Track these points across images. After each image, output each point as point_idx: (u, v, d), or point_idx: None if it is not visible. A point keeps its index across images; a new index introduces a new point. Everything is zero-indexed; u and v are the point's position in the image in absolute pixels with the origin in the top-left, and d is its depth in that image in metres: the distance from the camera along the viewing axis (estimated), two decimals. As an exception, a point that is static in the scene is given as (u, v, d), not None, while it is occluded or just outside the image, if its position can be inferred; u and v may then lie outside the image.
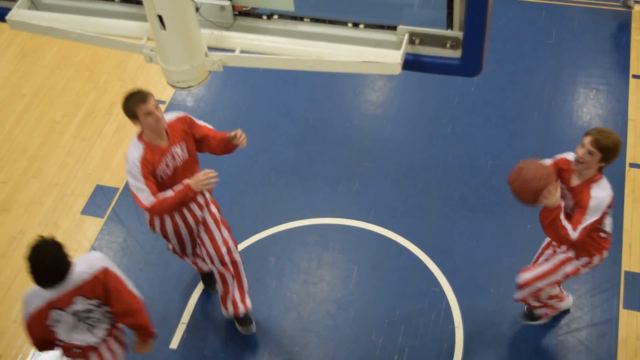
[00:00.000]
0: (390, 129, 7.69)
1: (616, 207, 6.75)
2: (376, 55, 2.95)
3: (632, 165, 7.17)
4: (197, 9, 2.98)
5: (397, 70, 2.91)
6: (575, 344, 5.97)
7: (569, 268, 5.33)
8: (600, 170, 5.00)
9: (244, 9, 3.14)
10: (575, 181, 5.06)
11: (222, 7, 3.08)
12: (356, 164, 7.40)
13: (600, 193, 4.95)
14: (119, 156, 7.59)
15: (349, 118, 7.86)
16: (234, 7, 3.12)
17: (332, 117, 7.86)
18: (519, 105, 7.83)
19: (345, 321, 6.22)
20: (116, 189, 7.31)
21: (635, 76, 8.03)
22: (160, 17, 2.81)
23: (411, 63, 2.99)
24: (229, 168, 7.37)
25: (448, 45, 2.95)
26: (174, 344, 6.16)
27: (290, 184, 7.24)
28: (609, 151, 4.86)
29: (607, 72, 8.09)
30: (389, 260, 6.61)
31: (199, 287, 6.48)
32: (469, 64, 2.98)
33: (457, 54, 2.97)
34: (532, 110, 7.76)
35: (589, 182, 4.99)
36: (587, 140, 4.87)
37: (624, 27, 8.62)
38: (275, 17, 3.12)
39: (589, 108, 7.77)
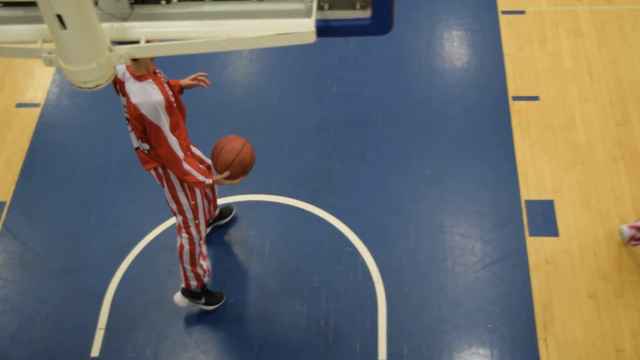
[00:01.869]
0: (278, 98, 7.63)
1: (506, 140, 7.02)
2: (288, 26, 2.88)
3: (515, 98, 7.40)
4: (96, 3, 2.82)
5: (313, 38, 2.86)
6: (491, 277, 6.17)
7: None
8: None
9: (140, -4, 3.00)
10: None
11: (118, -3, 2.94)
12: (249, 137, 7.18)
13: None
14: (1, 167, 7.21)
15: (234, 93, 7.74)
16: (128, -4, 2.98)
17: (217, 94, 7.72)
18: (399, 56, 7.93)
19: (266, 296, 6.19)
20: (3, 203, 6.94)
21: (504, 12, 8.26)
22: (59, 17, 2.64)
23: (323, 29, 2.95)
24: (119, 160, 7.16)
25: (358, 6, 2.92)
26: (95, 351, 5.96)
27: (186, 168, 7.08)
28: None
29: (477, 11, 8.29)
30: (298, 228, 6.60)
31: (111, 289, 6.29)
32: (380, 22, 2.97)
33: (367, 13, 2.95)
34: (412, 59, 7.88)
35: None
36: None
37: (484, -34, 8.85)
38: (175, 0, 2.99)
39: (465, 49, 7.96)
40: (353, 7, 2.93)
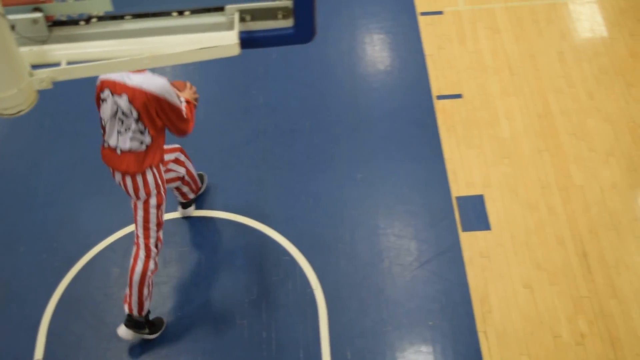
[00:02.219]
0: (204, 111, 7.58)
1: (433, 139, 7.12)
2: (211, 40, 2.86)
3: (439, 97, 7.52)
4: (13, 27, 2.75)
5: (237, 50, 2.85)
6: (428, 275, 6.24)
7: None
8: None
9: (58, 17, 2.94)
10: None
11: (35, 20, 2.87)
12: (178, 153, 7.23)
13: None
14: None
15: (159, 109, 7.65)
16: (46, 18, 2.91)
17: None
18: (322, 63, 7.97)
19: (206, 313, 6.13)
20: None
21: (423, 13, 8.39)
22: (-26, 44, 2.57)
23: (247, 40, 2.94)
24: (45, 186, 7.01)
25: (280, 15, 2.92)
26: (35, 382, 5.83)
27: (114, 189, 6.94)
28: None
29: (396, 14, 8.40)
30: (234, 241, 6.56)
31: (46, 318, 6.13)
32: (303, 30, 2.98)
33: (289, 23, 2.95)
34: (336, 66, 7.94)
35: None
36: None
37: (399, -31, 8.98)
38: (94, 20, 2.94)
39: (387, 52, 8.05)
40: (275, 17, 2.94)
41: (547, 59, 7.85)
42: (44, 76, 2.82)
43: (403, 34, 8.22)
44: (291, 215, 6.70)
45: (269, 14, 2.92)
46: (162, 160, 5.51)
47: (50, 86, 2.84)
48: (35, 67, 2.93)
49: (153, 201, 5.52)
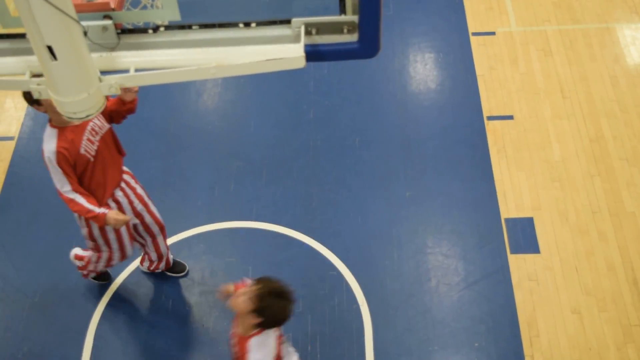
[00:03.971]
0: (255, 125, 7.64)
1: (483, 160, 7.08)
2: (277, 52, 2.90)
3: (490, 118, 7.49)
4: (85, 33, 2.82)
5: (302, 63, 2.88)
6: (475, 296, 6.20)
7: None
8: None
9: (127, 26, 3.00)
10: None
11: (105, 28, 2.93)
12: (227, 165, 7.31)
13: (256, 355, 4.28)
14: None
15: (210, 121, 7.74)
16: (115, 26, 2.97)
17: (193, 123, 7.73)
18: (373, 80, 7.99)
19: (251, 323, 6.15)
20: (-20, 238, 6.87)
21: (474, 33, 8.37)
22: (49, 48, 2.63)
23: (311, 53, 2.96)
24: (98, 193, 7.10)
25: (345, 30, 2.94)
26: (81, 385, 5.90)
27: (164, 197, 7.03)
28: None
29: (448, 34, 8.39)
30: (281, 253, 6.58)
31: (94, 323, 6.21)
32: (368, 45, 2.99)
33: (354, 37, 2.97)
34: (387, 83, 7.95)
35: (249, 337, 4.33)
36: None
37: (453, -11, 8.98)
38: (162, 29, 2.99)
39: (439, 71, 8.05)
40: (340, 32, 2.95)
41: (599, 83, 7.78)
42: (113, 82, 2.88)
43: (454, 53, 8.20)
44: (338, 230, 6.70)
45: (335, 28, 2.94)
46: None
47: (118, 92, 2.90)
48: (103, 73, 3.00)
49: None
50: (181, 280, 6.40)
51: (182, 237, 6.73)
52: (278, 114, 7.75)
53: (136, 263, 6.53)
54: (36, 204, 7.09)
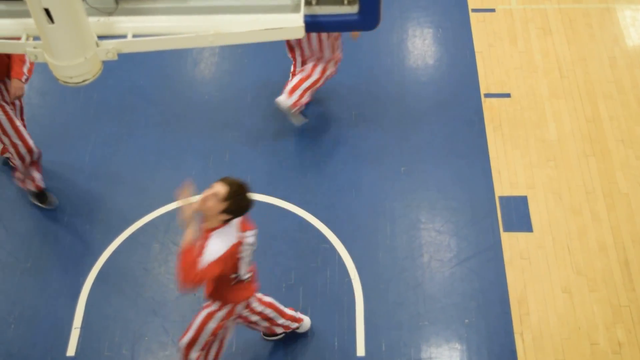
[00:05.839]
0: (252, 96, 7.61)
1: (479, 137, 7.07)
2: (276, 21, 2.88)
3: (487, 95, 7.47)
4: (84, -3, 2.79)
5: (301, 33, 2.86)
6: (466, 273, 6.22)
7: (212, 324, 5.08)
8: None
9: (124, -9, 2.97)
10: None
11: (104, -8, 2.90)
12: (223, 135, 7.28)
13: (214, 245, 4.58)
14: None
15: (207, 91, 7.70)
16: (114, -9, 2.95)
17: (189, 92, 7.69)
18: (371, 54, 7.95)
19: (243, 294, 6.16)
20: (-27, 201, 6.84)
21: (474, 10, 8.34)
22: (47, 11, 2.60)
23: (311, 24, 2.94)
24: (91, 159, 7.09)
25: (345, 1, 2.93)
26: (71, 351, 5.89)
27: (159, 166, 7.03)
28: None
29: (448, 9, 8.35)
30: (274, 225, 6.58)
31: (86, 288, 6.22)
32: (367, 18, 2.98)
33: (354, 9, 2.95)
34: (385, 57, 7.91)
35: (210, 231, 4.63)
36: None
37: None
38: (161, -5, 2.97)
39: (437, 46, 8.01)
40: (341, 3, 2.94)
41: (598, 64, 7.76)
42: (110, 47, 2.86)
43: (453, 29, 8.17)
44: (332, 204, 6.70)
45: (335, -1, 2.93)
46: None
47: (115, 57, 2.88)
48: (101, 38, 2.97)
49: None
50: (172, 249, 6.40)
51: (175, 206, 6.71)
52: (275, 85, 7.69)
53: (127, 232, 6.54)
54: (30, 168, 7.06)
